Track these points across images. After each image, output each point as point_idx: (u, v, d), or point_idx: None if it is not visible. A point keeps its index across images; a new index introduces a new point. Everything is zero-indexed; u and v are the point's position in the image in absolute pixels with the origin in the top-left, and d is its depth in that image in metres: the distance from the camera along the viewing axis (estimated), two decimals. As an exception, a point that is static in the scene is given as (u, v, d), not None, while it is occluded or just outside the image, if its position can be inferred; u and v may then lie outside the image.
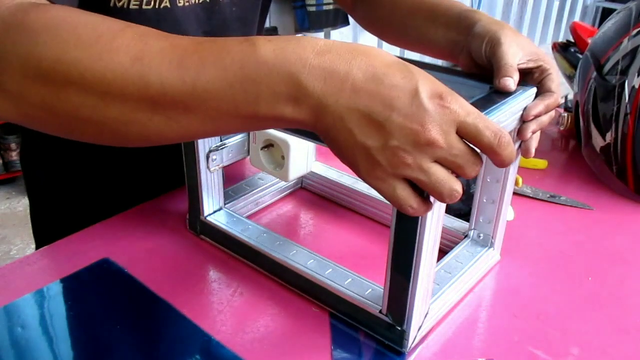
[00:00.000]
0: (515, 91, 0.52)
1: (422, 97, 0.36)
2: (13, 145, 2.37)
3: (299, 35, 0.67)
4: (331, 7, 2.96)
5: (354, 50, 0.37)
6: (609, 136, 0.78)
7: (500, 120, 0.49)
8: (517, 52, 0.53)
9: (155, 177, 0.77)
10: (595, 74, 0.82)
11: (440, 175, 0.38)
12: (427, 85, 0.37)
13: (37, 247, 0.81)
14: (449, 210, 0.67)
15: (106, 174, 0.77)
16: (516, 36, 0.54)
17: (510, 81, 0.50)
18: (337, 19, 3.03)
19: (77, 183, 0.78)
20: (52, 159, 0.77)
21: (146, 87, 0.37)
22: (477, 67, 0.57)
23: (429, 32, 0.62)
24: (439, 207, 0.46)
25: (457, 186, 0.38)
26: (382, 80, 0.36)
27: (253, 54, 0.37)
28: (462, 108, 0.37)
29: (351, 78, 0.36)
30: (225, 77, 0.37)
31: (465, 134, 0.38)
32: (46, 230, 0.81)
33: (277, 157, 0.66)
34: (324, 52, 0.37)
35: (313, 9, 2.93)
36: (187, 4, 0.64)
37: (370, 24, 0.75)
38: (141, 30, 0.39)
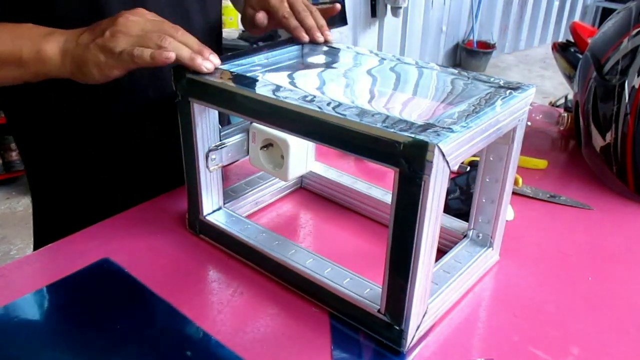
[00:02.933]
0: (516, 89, 0.52)
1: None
2: (13, 145, 2.37)
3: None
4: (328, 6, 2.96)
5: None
6: (609, 136, 0.78)
7: (500, 119, 0.49)
8: None
9: (155, 177, 0.77)
10: (595, 74, 0.82)
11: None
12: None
13: (35, 247, 0.81)
14: (449, 211, 0.67)
15: (106, 174, 0.77)
16: None
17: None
18: (335, 18, 3.03)
19: (77, 183, 0.78)
20: (51, 159, 0.77)
21: None
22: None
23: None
24: (437, 207, 0.46)
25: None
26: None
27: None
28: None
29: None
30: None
31: None
32: (47, 229, 0.81)
33: (277, 157, 0.66)
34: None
35: (311, 8, 2.93)
36: None
37: None
38: None
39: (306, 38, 0.69)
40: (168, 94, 0.62)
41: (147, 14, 0.57)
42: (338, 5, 0.73)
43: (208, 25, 0.79)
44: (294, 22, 0.69)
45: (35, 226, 0.83)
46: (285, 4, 0.71)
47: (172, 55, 0.52)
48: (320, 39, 0.69)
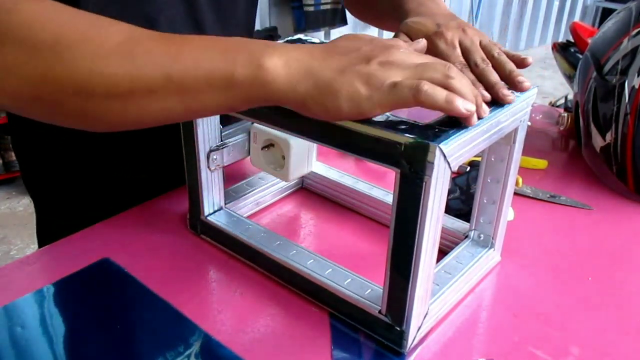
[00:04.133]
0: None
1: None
2: (12, 146, 2.37)
3: (298, 35, 0.68)
4: (329, 6, 2.97)
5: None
6: (609, 136, 0.78)
7: (501, 120, 0.49)
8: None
9: (155, 177, 0.77)
10: (595, 74, 0.82)
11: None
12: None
13: (39, 247, 0.81)
14: (449, 211, 0.67)
15: (106, 174, 0.77)
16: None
17: None
18: (335, 19, 3.04)
19: (77, 183, 0.78)
20: (49, 160, 0.77)
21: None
22: None
23: (385, 16, 0.70)
24: (438, 207, 0.46)
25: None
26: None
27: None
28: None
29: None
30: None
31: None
32: (48, 231, 0.81)
33: (278, 157, 0.66)
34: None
35: (311, 9, 2.94)
36: None
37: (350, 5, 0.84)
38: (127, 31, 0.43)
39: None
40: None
41: (413, 44, 0.48)
42: (530, 59, 0.55)
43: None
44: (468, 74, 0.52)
45: (38, 227, 0.83)
46: (459, 51, 0.54)
47: (472, 109, 0.41)
48: (508, 98, 0.49)
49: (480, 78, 0.51)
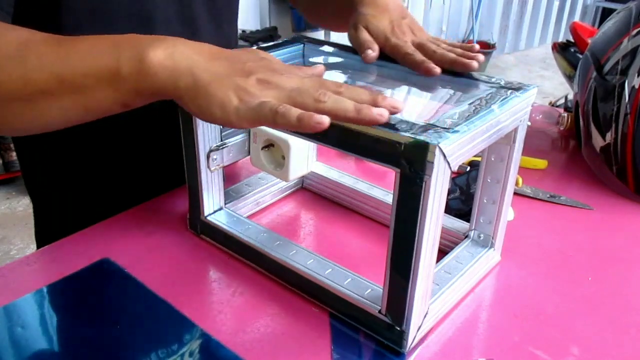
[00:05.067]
0: (518, 89, 0.52)
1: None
2: (13, 146, 2.37)
3: (294, 35, 0.69)
4: (329, 6, 2.96)
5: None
6: (609, 136, 0.78)
7: (501, 120, 0.49)
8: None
9: (155, 177, 0.77)
10: (595, 74, 0.82)
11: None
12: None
13: (38, 247, 0.81)
14: (448, 210, 0.67)
15: (106, 174, 0.77)
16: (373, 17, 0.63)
17: (370, 51, 0.60)
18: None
19: (77, 183, 0.77)
20: (50, 159, 0.77)
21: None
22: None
23: (335, 13, 0.74)
24: (438, 207, 0.46)
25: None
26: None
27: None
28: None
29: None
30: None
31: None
32: (47, 231, 0.81)
33: (278, 157, 0.66)
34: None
35: (310, 8, 2.93)
36: None
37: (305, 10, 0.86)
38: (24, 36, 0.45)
39: (438, 69, 0.56)
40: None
41: (306, 69, 0.49)
42: (477, 46, 0.60)
43: (220, 37, 0.76)
44: (419, 56, 0.58)
45: (37, 227, 0.83)
46: (410, 44, 0.60)
47: (324, 121, 0.40)
48: (474, 64, 0.56)
49: (441, 60, 0.57)
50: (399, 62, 0.60)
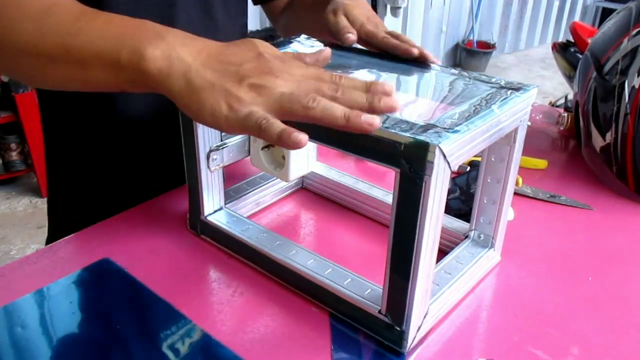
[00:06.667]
0: (518, 89, 0.52)
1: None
2: (13, 145, 2.37)
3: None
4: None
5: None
6: (609, 136, 0.78)
7: (501, 120, 0.49)
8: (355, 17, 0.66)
9: (155, 177, 0.77)
10: (595, 74, 0.82)
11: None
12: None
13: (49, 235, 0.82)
14: (448, 210, 0.67)
15: (106, 174, 0.77)
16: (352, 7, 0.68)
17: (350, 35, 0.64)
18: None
19: (77, 183, 0.78)
20: (51, 159, 0.77)
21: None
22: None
23: (311, 20, 0.76)
24: (437, 207, 0.46)
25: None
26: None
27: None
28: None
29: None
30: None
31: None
32: (57, 231, 0.81)
33: (278, 157, 0.66)
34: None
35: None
36: None
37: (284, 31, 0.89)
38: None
39: (415, 51, 0.61)
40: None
41: (311, 56, 0.49)
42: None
43: (234, 29, 0.79)
44: (394, 41, 0.63)
45: (50, 230, 0.83)
46: (381, 29, 0.66)
47: (302, 140, 0.41)
48: (432, 56, 0.62)
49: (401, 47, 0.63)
50: (375, 47, 0.65)
